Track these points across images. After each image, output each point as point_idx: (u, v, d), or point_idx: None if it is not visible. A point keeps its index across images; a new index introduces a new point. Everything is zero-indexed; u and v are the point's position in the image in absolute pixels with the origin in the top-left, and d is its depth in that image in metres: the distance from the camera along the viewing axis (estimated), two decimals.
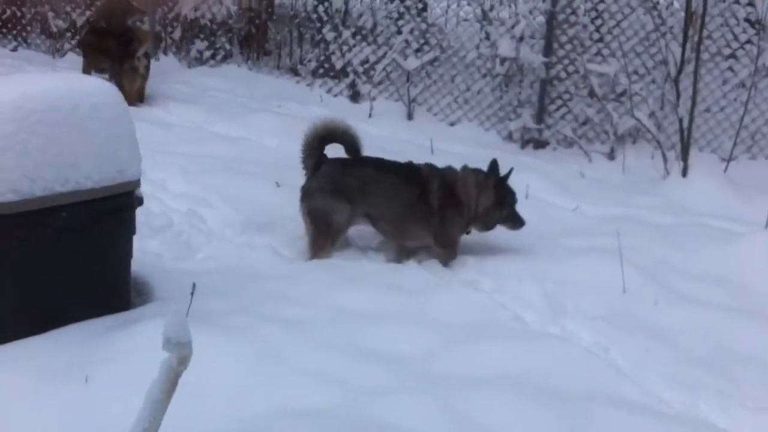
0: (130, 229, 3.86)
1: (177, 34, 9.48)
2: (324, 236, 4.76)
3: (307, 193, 4.80)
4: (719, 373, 3.72)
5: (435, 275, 4.75)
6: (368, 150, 7.11)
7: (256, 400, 3.14)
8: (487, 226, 5.00)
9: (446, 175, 4.94)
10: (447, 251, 4.92)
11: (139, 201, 3.90)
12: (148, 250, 4.64)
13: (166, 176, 5.83)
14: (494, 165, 4.99)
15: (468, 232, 5.08)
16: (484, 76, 8.20)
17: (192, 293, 3.41)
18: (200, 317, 3.49)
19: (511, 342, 3.93)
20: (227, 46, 9.40)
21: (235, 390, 3.18)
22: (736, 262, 4.93)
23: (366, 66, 8.46)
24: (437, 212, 4.83)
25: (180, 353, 2.07)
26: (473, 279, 4.76)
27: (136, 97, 7.86)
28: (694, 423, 3.30)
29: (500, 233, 5.11)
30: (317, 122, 4.88)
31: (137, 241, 4.05)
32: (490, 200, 4.91)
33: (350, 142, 4.91)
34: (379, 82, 8.39)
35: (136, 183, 3.84)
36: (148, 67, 7.96)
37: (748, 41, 7.59)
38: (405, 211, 4.80)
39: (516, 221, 5.00)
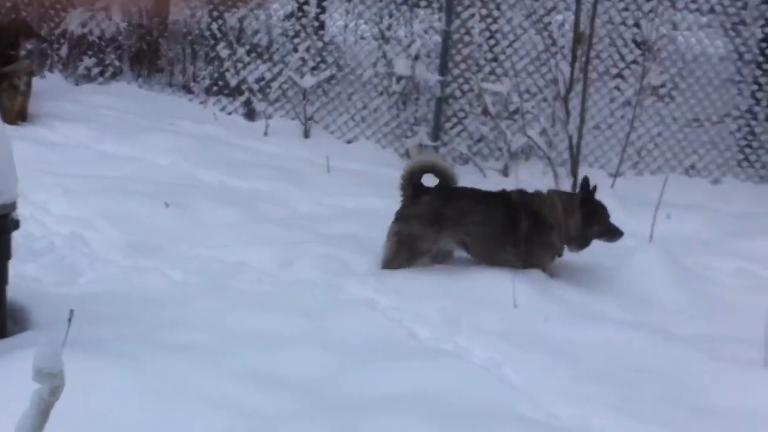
0: (4, 253, 3.66)
1: (64, 51, 9.15)
2: (402, 258, 5.04)
3: (403, 217, 5.06)
4: (613, 387, 3.76)
5: (331, 295, 4.69)
6: (263, 168, 7.06)
7: (148, 430, 3.01)
8: (582, 246, 5.14)
9: (534, 201, 5.12)
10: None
11: (15, 224, 3.70)
12: (27, 274, 4.41)
13: (48, 198, 5.58)
14: (585, 182, 5.18)
15: (560, 255, 5.16)
16: (381, 94, 8.22)
17: (70, 319, 3.23)
18: (86, 345, 3.33)
19: (408, 361, 3.91)
20: (117, 63, 9.12)
21: (124, 420, 3.03)
22: (628, 275, 5.06)
23: (261, 83, 8.36)
24: (525, 238, 5.02)
25: (51, 384, 1.96)
26: (371, 297, 4.72)
27: (17, 115, 7.52)
28: None
29: None
30: (419, 157, 5.37)
31: (15, 266, 3.84)
32: (578, 220, 5.07)
33: (445, 175, 5.17)
34: (275, 100, 8.30)
35: (12, 206, 3.66)
36: (29, 85, 7.64)
37: (634, 61, 7.86)
38: (495, 239, 5.05)
39: (612, 234, 5.13)
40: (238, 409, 3.23)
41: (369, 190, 6.80)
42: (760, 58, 7.72)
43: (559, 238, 5.08)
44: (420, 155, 5.42)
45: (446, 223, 5.01)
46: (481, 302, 4.63)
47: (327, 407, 3.35)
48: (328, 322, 4.26)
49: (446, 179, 5.17)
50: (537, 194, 5.20)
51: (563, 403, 3.59)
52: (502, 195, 5.20)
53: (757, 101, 7.81)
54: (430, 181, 5.23)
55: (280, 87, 8.28)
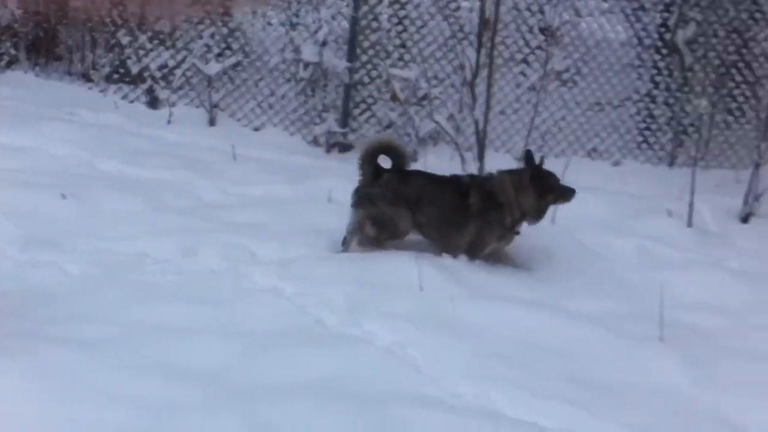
0: None
1: None
2: (381, 237, 5.10)
3: (367, 199, 5.11)
4: (515, 365, 3.83)
5: (236, 284, 4.63)
6: (166, 157, 6.90)
7: (46, 426, 2.93)
8: (539, 217, 5.24)
9: (485, 183, 5.23)
10: (476, 251, 5.13)
11: None
12: None
13: None
14: (528, 155, 5.29)
15: (517, 233, 5.21)
16: (289, 80, 8.13)
17: None
18: None
19: (313, 347, 3.90)
20: (12, 52, 8.76)
21: (20, 417, 2.94)
22: (531, 256, 5.15)
23: (164, 71, 8.16)
24: (475, 218, 5.10)
25: None
26: (276, 285, 4.67)
27: None
28: (486, 414, 3.37)
29: None
30: (377, 137, 5.53)
31: None
32: (531, 195, 5.15)
33: (401, 155, 5.22)
34: (179, 88, 8.12)
35: None
36: None
37: (539, 47, 7.98)
38: (449, 220, 5.12)
39: (567, 195, 5.26)
40: (141, 402, 3.18)
41: (276, 178, 6.74)
42: (659, 43, 7.94)
43: (510, 216, 5.15)
44: (380, 137, 5.59)
45: (406, 202, 5.09)
46: (387, 286, 4.63)
47: (230, 396, 3.32)
48: (233, 311, 4.22)
49: (402, 160, 5.23)
50: (488, 176, 5.32)
51: (466, 383, 3.63)
52: (455, 178, 5.32)
53: (656, 85, 8.04)
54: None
55: (183, 74, 8.10)
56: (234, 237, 5.25)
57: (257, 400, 3.28)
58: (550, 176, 5.28)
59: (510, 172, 5.34)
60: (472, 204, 5.11)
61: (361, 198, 5.16)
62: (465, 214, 5.10)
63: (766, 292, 5.04)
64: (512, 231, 5.19)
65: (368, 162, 5.15)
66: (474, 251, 5.12)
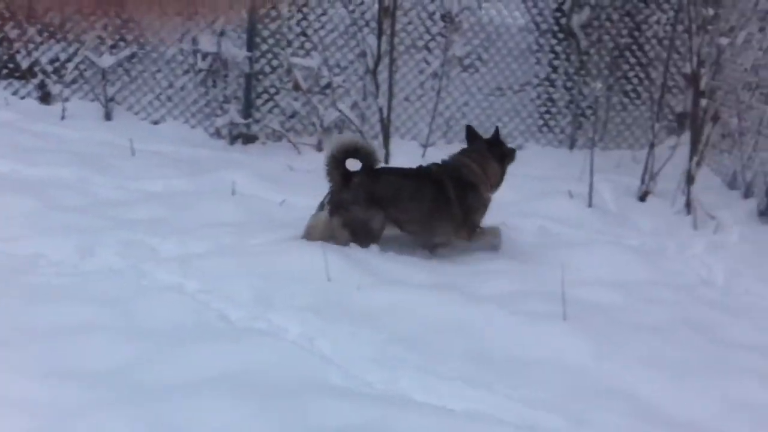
0: None
1: None
2: (364, 242, 4.97)
3: (340, 205, 4.96)
4: (421, 349, 3.85)
5: (136, 282, 4.50)
6: (61, 153, 6.65)
7: None
8: (500, 184, 5.41)
9: (451, 167, 5.27)
10: (475, 237, 5.21)
11: None
12: None
13: None
14: (470, 130, 5.51)
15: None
16: (187, 71, 7.94)
17: None
18: None
19: (218, 342, 3.83)
20: None
21: None
22: None
23: (56, 65, 7.85)
24: (458, 204, 5.13)
25: None
26: (178, 282, 4.56)
27: None
28: (395, 399, 3.37)
29: None
30: (340, 139, 5.28)
31: None
32: (495, 166, 5.35)
33: (369, 156, 5.10)
34: (72, 82, 7.83)
35: None
36: None
37: (439, 34, 8.02)
38: (430, 212, 5.11)
39: (513, 155, 5.54)
40: (33, 406, 3.08)
41: (177, 172, 6.58)
42: (555, 28, 8.08)
43: (486, 191, 5.29)
44: (340, 138, 5.39)
45: (381, 202, 5.01)
46: (294, 278, 4.58)
47: (129, 396, 3.24)
48: (133, 309, 4.10)
49: (370, 160, 5.10)
50: (452, 162, 5.34)
51: (374, 370, 3.63)
52: (424, 169, 5.30)
53: (554, 69, 8.19)
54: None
55: (76, 67, 7.81)
56: (133, 234, 5.10)
57: (158, 399, 3.20)
58: (501, 143, 5.48)
59: (466, 151, 5.41)
60: (449, 192, 5.14)
61: (334, 205, 5.00)
62: (446, 203, 5.12)
63: (662, 267, 5.21)
64: None
65: (335, 166, 5.00)
66: (469, 235, 5.22)
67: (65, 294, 4.23)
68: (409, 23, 8.02)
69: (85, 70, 7.84)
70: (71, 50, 7.83)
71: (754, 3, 6.44)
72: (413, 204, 5.09)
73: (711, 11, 6.25)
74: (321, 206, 5.06)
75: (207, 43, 7.69)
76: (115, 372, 3.44)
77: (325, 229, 4.99)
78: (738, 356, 4.00)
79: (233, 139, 7.81)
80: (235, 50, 7.71)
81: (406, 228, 5.14)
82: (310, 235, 5.03)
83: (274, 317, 4.18)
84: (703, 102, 6.20)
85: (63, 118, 7.59)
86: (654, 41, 7.99)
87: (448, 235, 5.19)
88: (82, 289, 4.33)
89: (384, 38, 7.14)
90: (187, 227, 5.35)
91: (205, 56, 7.74)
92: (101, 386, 3.30)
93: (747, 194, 6.40)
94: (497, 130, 5.55)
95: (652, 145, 6.56)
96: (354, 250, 4.98)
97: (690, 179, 6.14)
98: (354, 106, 7.73)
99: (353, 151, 5.05)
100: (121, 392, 3.26)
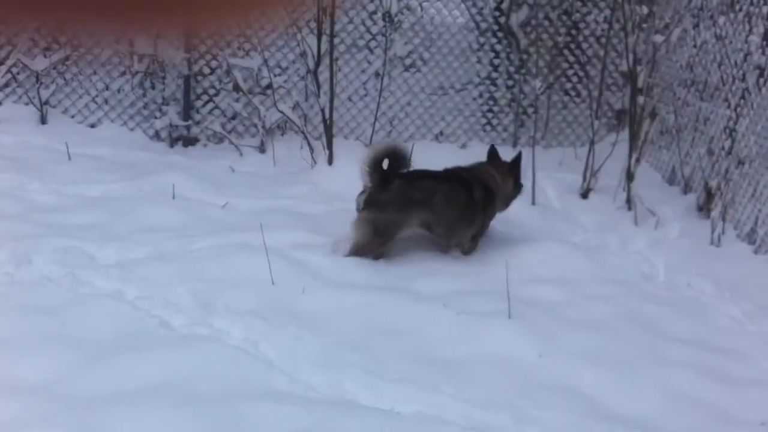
0: None
1: None
2: (377, 242, 5.04)
3: (375, 204, 5.05)
4: (366, 352, 3.83)
5: (73, 290, 4.39)
6: None
7: None
8: (507, 207, 5.56)
9: (480, 174, 5.45)
10: (474, 243, 5.36)
11: None
12: None
13: None
14: (493, 150, 5.65)
15: None
16: (124, 73, 7.76)
17: None
18: None
19: (158, 350, 3.77)
20: None
21: None
22: None
23: None
24: (482, 212, 5.32)
25: None
26: (118, 289, 4.46)
27: None
28: (340, 403, 3.35)
29: None
30: (382, 144, 5.61)
31: None
32: (510, 186, 5.51)
33: (403, 158, 5.27)
34: (5, 85, 7.60)
35: None
36: None
37: (380, 33, 7.99)
38: (457, 215, 5.23)
39: (521, 188, 5.67)
40: None
41: (115, 176, 6.43)
42: (495, 27, 8.12)
43: (499, 205, 5.46)
44: (381, 144, 5.82)
45: (416, 205, 5.13)
46: (237, 283, 4.52)
47: (64, 408, 3.17)
48: (70, 318, 4.01)
49: (404, 163, 5.24)
50: (478, 168, 5.50)
51: (319, 373, 3.60)
52: (456, 174, 5.42)
53: (495, 68, 8.22)
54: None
55: (9, 71, 7.59)
56: (71, 241, 4.97)
57: (95, 409, 3.14)
58: (520, 169, 5.64)
59: (492, 163, 5.55)
60: (477, 198, 5.29)
61: (370, 202, 5.09)
62: (474, 208, 5.27)
63: (604, 263, 5.27)
64: None
65: (375, 168, 5.09)
66: (476, 242, 5.36)
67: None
68: (350, 23, 7.98)
69: (18, 73, 7.62)
70: (2, 53, 7.60)
71: (688, 0, 6.55)
72: (446, 207, 5.21)
73: (645, 9, 6.34)
74: (358, 208, 5.17)
75: (143, 45, 7.53)
76: (51, 383, 3.37)
77: None
78: (678, 350, 4.07)
79: (173, 142, 7.66)
80: (172, 51, 7.56)
81: (433, 230, 5.24)
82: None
83: (217, 322, 4.13)
84: (641, 99, 6.29)
85: None
86: (592, 39, 8.08)
87: (466, 239, 5.32)
88: (16, 299, 4.24)
89: (324, 38, 7.08)
90: (127, 233, 5.23)
91: (141, 58, 7.58)
92: (36, 398, 3.23)
93: (686, 190, 6.52)
94: (520, 155, 5.71)
95: (592, 143, 6.63)
96: (298, 253, 4.93)
97: (630, 176, 6.22)
98: (296, 106, 7.65)
99: (392, 155, 5.21)
100: (57, 404, 3.19)
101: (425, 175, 5.37)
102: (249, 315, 4.16)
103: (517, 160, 5.65)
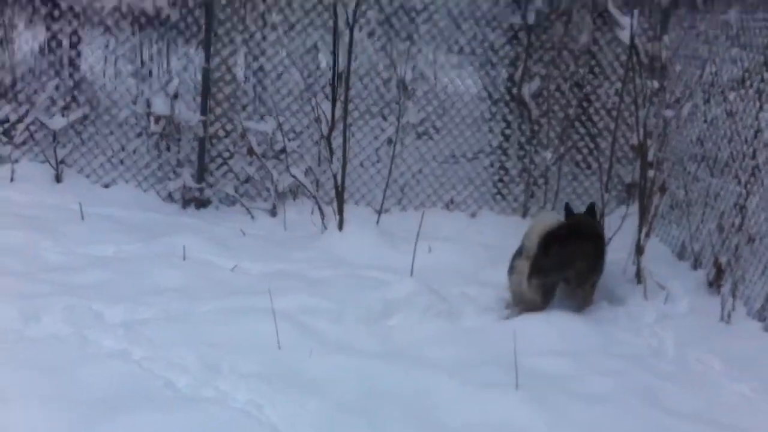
0: None
1: None
2: (545, 303, 5.53)
3: (543, 270, 5.47)
4: (369, 418, 3.81)
5: (80, 349, 4.40)
6: (7, 217, 6.53)
7: None
8: None
9: (597, 224, 6.09)
10: (593, 289, 5.83)
11: None
12: None
13: None
14: (592, 207, 6.17)
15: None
16: (140, 134, 7.89)
17: None
18: None
19: (162, 410, 3.78)
20: None
21: None
22: (388, 309, 5.16)
23: (5, 125, 7.75)
24: (603, 258, 5.86)
25: None
26: (124, 348, 4.48)
27: None
28: None
29: None
30: (545, 219, 5.82)
31: None
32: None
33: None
34: (22, 143, 7.73)
35: None
36: None
37: (393, 101, 8.10)
38: (589, 267, 5.74)
39: None
40: None
41: (127, 236, 6.49)
42: (507, 97, 8.23)
43: None
44: (542, 216, 6.40)
45: (569, 267, 5.61)
46: (242, 345, 4.53)
47: None
48: (75, 377, 4.04)
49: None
50: (592, 217, 6.08)
51: None
52: (589, 228, 5.91)
53: (507, 138, 8.30)
54: None
55: (27, 129, 7.72)
56: (79, 300, 5.02)
57: None
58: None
59: (592, 215, 6.10)
60: (602, 249, 5.84)
61: (535, 269, 5.45)
62: (600, 262, 5.79)
63: (613, 336, 5.23)
64: None
65: (542, 240, 5.47)
66: (594, 289, 5.81)
67: (6, 361, 4.15)
68: (364, 89, 8.11)
69: (36, 131, 7.75)
70: (21, 111, 7.75)
71: (699, 75, 6.63)
72: (583, 265, 5.67)
73: (656, 83, 6.41)
74: (511, 270, 5.60)
75: (160, 106, 7.66)
76: None
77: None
78: (685, 426, 4.01)
79: (186, 203, 7.74)
80: (188, 113, 7.69)
81: (570, 282, 5.69)
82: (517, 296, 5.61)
83: (222, 384, 4.14)
84: (651, 173, 6.31)
85: (12, 180, 7.47)
86: (603, 112, 8.16)
87: (589, 294, 5.76)
88: (24, 356, 4.27)
89: (338, 104, 7.20)
90: (135, 293, 5.27)
91: (158, 119, 7.71)
92: None
93: (696, 265, 6.48)
94: (594, 206, 6.16)
95: (602, 215, 6.65)
96: (306, 317, 4.94)
97: (639, 249, 6.21)
98: (308, 171, 7.73)
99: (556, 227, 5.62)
100: None
101: (572, 233, 5.71)
102: (254, 378, 4.16)
103: (592, 210, 6.11)
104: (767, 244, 5.53)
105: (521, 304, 5.53)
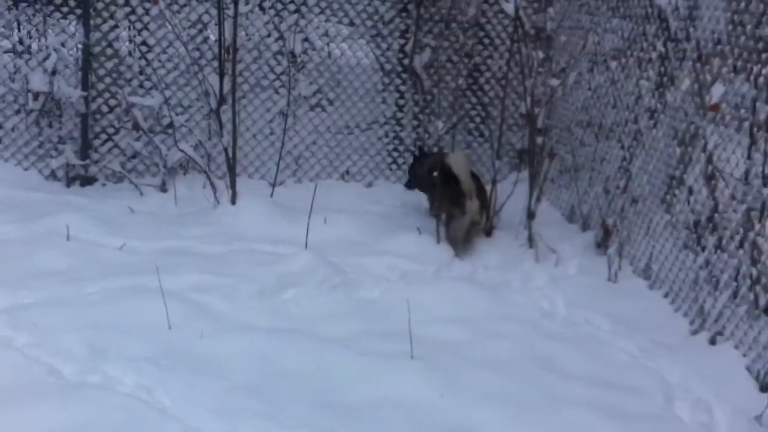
0: None
1: None
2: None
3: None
4: (263, 397, 3.75)
5: None
6: None
7: None
8: None
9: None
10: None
11: None
12: None
13: None
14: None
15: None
16: (18, 112, 7.51)
17: None
18: None
19: (45, 401, 3.63)
20: None
21: None
22: (279, 282, 5.10)
23: None
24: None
25: None
26: (5, 335, 4.28)
27: None
28: None
29: None
30: (464, 159, 6.44)
31: None
32: None
33: None
34: None
35: None
36: None
37: (283, 73, 7.97)
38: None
39: None
40: None
41: (7, 217, 6.17)
42: (399, 69, 8.22)
43: None
44: (458, 157, 6.72)
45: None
46: (131, 328, 4.39)
47: None
48: None
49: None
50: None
51: (213, 420, 3.52)
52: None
53: (400, 108, 8.30)
54: None
55: None
56: None
57: None
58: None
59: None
60: None
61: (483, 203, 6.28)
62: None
63: (507, 301, 5.32)
64: None
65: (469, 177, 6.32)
66: None
67: None
68: (253, 62, 7.94)
69: None
70: None
71: (582, 45, 6.77)
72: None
73: (542, 54, 6.53)
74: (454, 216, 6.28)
75: (38, 82, 7.30)
76: None
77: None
78: (576, 388, 4.11)
79: (70, 181, 7.43)
80: (69, 89, 7.35)
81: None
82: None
83: (110, 369, 4.00)
84: (540, 140, 6.44)
85: None
86: (493, 81, 8.25)
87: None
88: None
89: (227, 78, 7.03)
90: (17, 277, 5.03)
91: (36, 96, 7.35)
92: None
93: (584, 227, 6.67)
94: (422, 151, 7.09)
95: (494, 182, 6.75)
96: (201, 296, 4.82)
97: (531, 214, 6.34)
98: (198, 145, 7.52)
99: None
100: None
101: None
102: (143, 361, 4.04)
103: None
104: (649, 206, 5.73)
105: (466, 242, 6.18)
